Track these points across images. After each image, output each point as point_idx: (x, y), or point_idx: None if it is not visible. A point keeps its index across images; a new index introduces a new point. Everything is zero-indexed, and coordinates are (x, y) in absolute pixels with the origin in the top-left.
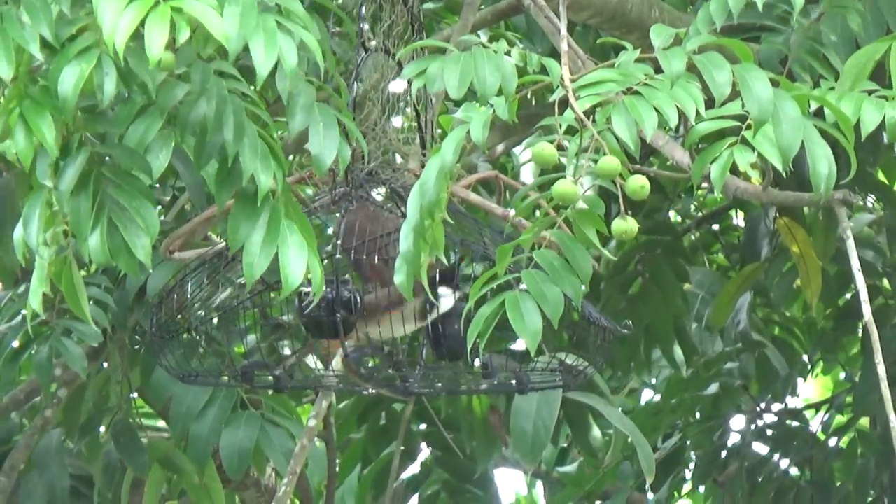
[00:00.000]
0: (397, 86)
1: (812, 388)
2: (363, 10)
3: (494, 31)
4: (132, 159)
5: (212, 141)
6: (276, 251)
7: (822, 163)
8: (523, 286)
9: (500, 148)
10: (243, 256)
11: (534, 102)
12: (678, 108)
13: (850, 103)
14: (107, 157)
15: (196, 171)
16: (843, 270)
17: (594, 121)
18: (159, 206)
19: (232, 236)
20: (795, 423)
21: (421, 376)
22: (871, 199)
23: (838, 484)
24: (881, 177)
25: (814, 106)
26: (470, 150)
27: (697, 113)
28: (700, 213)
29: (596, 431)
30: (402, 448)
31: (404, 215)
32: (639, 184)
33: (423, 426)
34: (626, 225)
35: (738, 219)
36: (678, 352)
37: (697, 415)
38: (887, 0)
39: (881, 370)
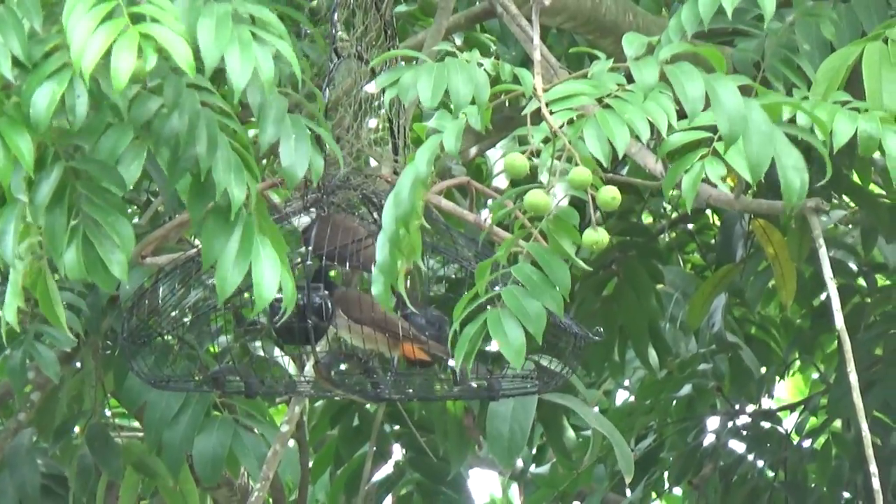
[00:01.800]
0: (371, 87)
1: (786, 389)
2: (336, 15)
3: (468, 34)
4: (104, 173)
5: (185, 155)
6: (250, 266)
7: (794, 176)
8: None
9: (472, 151)
10: (216, 272)
11: (507, 105)
12: (650, 120)
13: (822, 114)
14: (81, 172)
15: (169, 186)
16: (817, 271)
17: (566, 131)
18: (134, 206)
19: (205, 253)
20: (769, 425)
21: (392, 382)
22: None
23: (812, 486)
24: (855, 178)
25: (787, 114)
26: (444, 158)
27: (670, 125)
28: (675, 214)
29: (570, 433)
30: (375, 449)
31: (376, 221)
32: (610, 195)
33: (395, 427)
34: (596, 236)
35: (714, 218)
36: (652, 352)
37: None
38: (861, 2)
39: (853, 378)
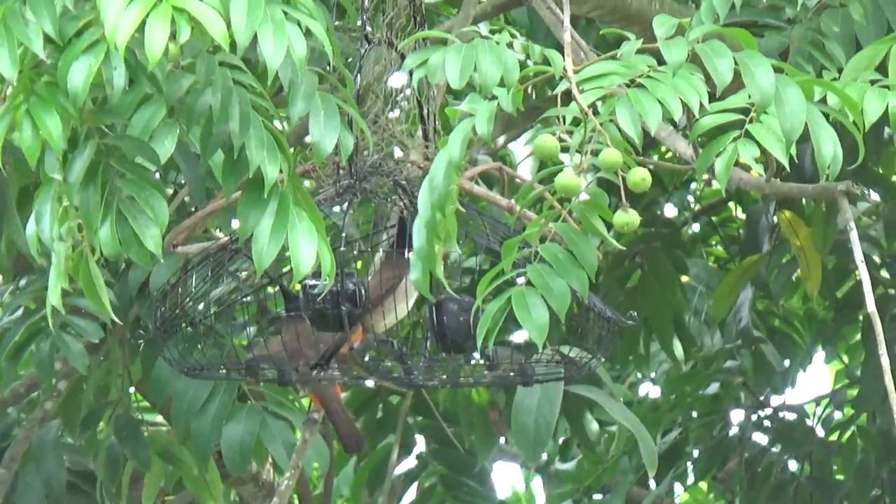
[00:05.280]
0: (397, 79)
1: (812, 379)
2: (366, 2)
3: (495, 23)
4: (138, 149)
5: (218, 132)
6: (286, 239)
7: (827, 144)
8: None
9: (500, 140)
10: (252, 245)
11: (534, 97)
12: (682, 100)
13: (852, 93)
14: (114, 148)
15: (203, 162)
16: (841, 263)
17: (596, 112)
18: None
19: (241, 226)
20: (794, 416)
21: (424, 369)
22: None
23: (839, 477)
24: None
25: (818, 95)
26: (475, 143)
27: (701, 105)
28: (698, 206)
29: (594, 425)
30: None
31: (406, 207)
32: (640, 176)
33: (419, 418)
34: (627, 217)
35: (737, 211)
36: (677, 345)
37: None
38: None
39: (885, 361)
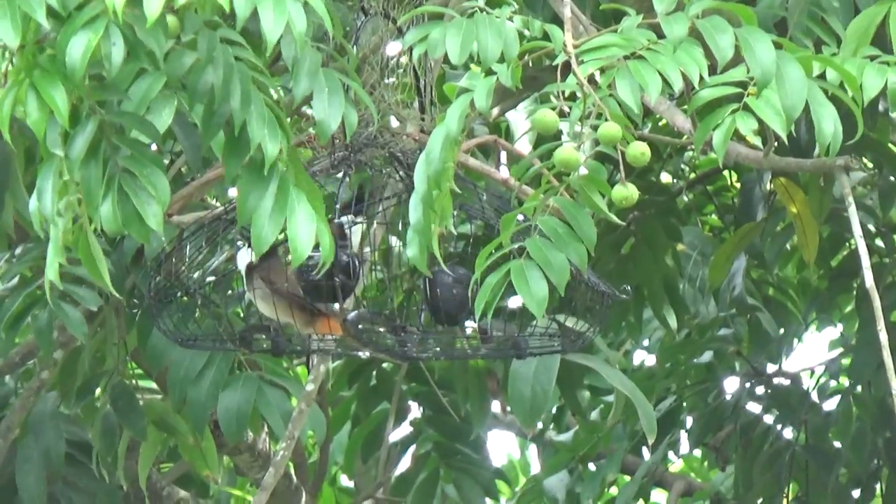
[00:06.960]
0: (394, 48)
1: (807, 348)
2: None
3: None
4: (139, 125)
5: (220, 110)
6: (285, 221)
7: (828, 122)
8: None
9: (495, 111)
10: (251, 228)
11: (531, 65)
12: (682, 72)
13: (852, 68)
14: (115, 125)
15: (205, 142)
16: (836, 231)
17: (596, 86)
18: None
19: (241, 208)
20: (789, 383)
21: (419, 341)
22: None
23: (837, 445)
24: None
25: (817, 70)
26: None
27: (701, 78)
28: (693, 174)
29: (585, 392)
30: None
31: (402, 180)
32: (639, 150)
33: (413, 385)
34: (626, 191)
35: (732, 179)
36: (670, 312)
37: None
38: None
39: (883, 337)
